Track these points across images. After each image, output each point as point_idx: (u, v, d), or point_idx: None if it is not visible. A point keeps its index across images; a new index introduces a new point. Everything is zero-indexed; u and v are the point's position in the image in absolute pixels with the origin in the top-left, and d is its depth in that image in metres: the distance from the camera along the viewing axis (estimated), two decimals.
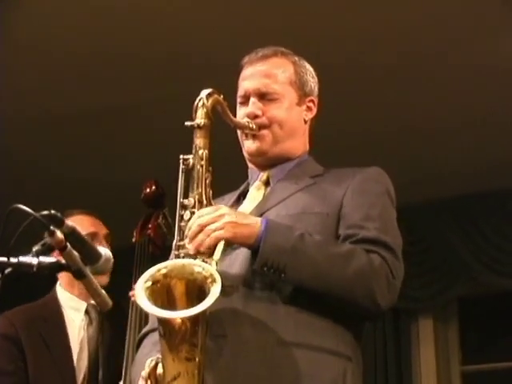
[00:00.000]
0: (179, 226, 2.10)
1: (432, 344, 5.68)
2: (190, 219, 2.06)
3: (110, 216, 3.36)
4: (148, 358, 2.11)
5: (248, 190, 2.33)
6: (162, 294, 1.96)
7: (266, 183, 2.31)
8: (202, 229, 2.00)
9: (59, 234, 1.90)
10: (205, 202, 2.11)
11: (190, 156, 2.15)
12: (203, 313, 1.91)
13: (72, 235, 1.93)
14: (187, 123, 2.16)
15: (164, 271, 1.98)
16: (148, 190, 3.59)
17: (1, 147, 4.91)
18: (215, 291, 1.90)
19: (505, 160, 5.10)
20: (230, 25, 4.00)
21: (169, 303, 1.96)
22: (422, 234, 5.68)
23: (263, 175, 2.32)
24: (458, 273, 5.52)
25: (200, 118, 2.16)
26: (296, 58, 2.37)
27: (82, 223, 3.08)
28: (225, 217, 2.01)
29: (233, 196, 2.37)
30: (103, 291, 2.01)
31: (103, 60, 4.26)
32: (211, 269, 1.97)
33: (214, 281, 1.92)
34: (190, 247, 2.02)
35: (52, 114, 4.69)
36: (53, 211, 1.91)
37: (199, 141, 2.15)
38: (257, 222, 2.04)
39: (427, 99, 4.58)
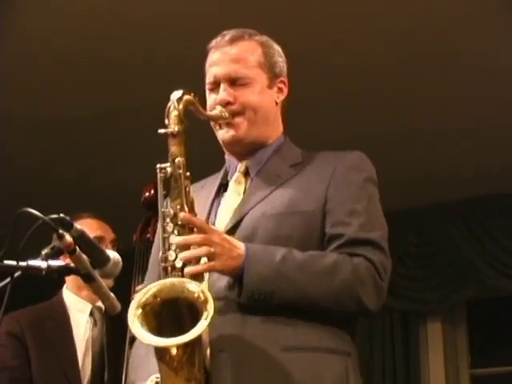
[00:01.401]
0: (163, 238, 2.07)
1: (441, 347, 5.67)
2: (173, 231, 2.05)
3: (109, 219, 3.37)
4: (145, 361, 2.10)
5: (227, 181, 2.29)
6: (156, 316, 1.96)
7: (246, 174, 2.27)
8: (192, 258, 2.00)
9: (68, 238, 1.90)
10: (187, 210, 2.07)
11: (167, 164, 2.10)
12: (199, 335, 1.91)
13: (81, 238, 1.93)
14: (160, 131, 2.11)
15: (154, 291, 1.97)
16: (147, 193, 3.59)
17: (1, 150, 4.92)
18: (208, 312, 1.89)
19: None
20: (226, 28, 3.98)
21: (163, 325, 1.96)
22: (431, 237, 5.67)
23: (241, 166, 2.28)
24: (467, 275, 5.51)
25: (173, 125, 2.10)
26: (264, 39, 2.31)
27: (89, 227, 3.09)
28: (215, 249, 2.00)
29: (212, 184, 2.32)
30: (112, 294, 2.01)
31: (103, 64, 4.25)
32: (202, 287, 1.97)
33: (206, 301, 1.92)
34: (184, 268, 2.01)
35: (52, 116, 4.70)
36: (61, 214, 1.92)
37: (174, 148, 2.10)
38: (241, 255, 2.02)
39: (431, 100, 4.57)
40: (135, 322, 1.92)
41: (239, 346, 2.01)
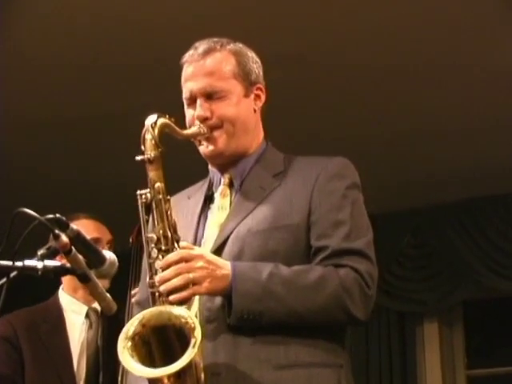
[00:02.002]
0: (149, 263, 2.08)
1: (437, 348, 5.67)
2: (157, 256, 2.06)
3: (107, 220, 3.38)
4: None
5: (213, 192, 2.30)
6: (145, 345, 1.97)
7: (230, 185, 2.27)
8: (171, 289, 2.00)
9: (64, 238, 1.90)
10: (169, 235, 2.08)
11: (147, 190, 2.12)
12: (188, 363, 1.92)
13: (77, 239, 1.94)
14: (138, 158, 2.13)
15: (142, 321, 1.98)
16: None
17: (1, 150, 4.92)
18: (196, 339, 1.90)
19: (510, 164, 5.09)
20: (227, 28, 3.97)
21: (153, 352, 1.98)
22: (428, 238, 5.68)
23: (225, 178, 2.28)
24: (463, 276, 5.51)
25: (149, 151, 2.12)
26: (237, 48, 2.29)
27: (85, 227, 3.07)
28: (198, 273, 2.01)
29: (198, 195, 2.32)
30: (108, 295, 2.02)
31: (103, 64, 4.25)
32: (189, 313, 1.98)
33: (193, 327, 1.93)
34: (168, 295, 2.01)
35: (52, 116, 4.70)
36: (58, 215, 1.92)
37: (152, 174, 2.12)
38: (227, 275, 2.03)
39: (432, 101, 4.57)
40: (125, 354, 1.93)
41: (233, 368, 2.02)
